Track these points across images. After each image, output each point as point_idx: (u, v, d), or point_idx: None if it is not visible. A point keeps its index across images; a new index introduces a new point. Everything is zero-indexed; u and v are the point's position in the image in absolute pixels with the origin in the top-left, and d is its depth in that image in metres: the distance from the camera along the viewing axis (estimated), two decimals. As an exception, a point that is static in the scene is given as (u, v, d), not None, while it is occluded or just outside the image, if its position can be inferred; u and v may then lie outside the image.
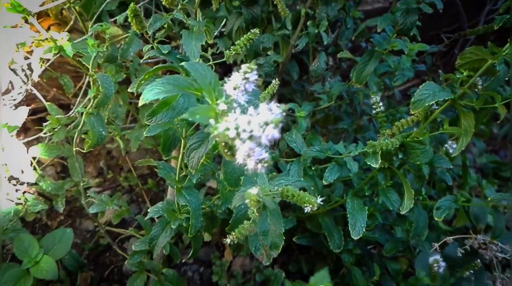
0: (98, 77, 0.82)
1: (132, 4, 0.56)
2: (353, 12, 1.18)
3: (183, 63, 0.50)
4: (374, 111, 1.01)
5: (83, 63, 0.93)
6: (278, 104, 0.45)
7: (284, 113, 0.44)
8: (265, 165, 0.46)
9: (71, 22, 1.19)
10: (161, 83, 0.53)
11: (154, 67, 0.62)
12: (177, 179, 0.77)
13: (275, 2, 0.88)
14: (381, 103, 1.00)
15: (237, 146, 0.43)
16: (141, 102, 0.50)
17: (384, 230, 1.26)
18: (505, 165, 1.97)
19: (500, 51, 0.85)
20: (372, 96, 1.00)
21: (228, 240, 0.69)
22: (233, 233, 0.69)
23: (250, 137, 0.41)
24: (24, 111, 0.97)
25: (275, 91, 0.77)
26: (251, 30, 0.64)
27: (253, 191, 0.60)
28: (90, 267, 1.32)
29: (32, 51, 1.04)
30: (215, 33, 1.20)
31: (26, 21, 0.92)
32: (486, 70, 0.85)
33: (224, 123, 0.42)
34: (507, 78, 0.85)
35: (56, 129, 1.09)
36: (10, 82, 1.06)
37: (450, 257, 1.20)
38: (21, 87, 1.12)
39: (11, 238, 0.94)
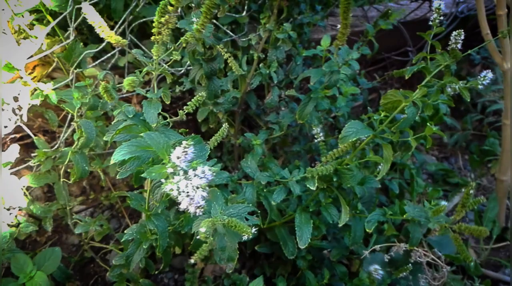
0: (81, 123, 0.99)
1: (103, 83, 0.73)
2: (301, 51, 1.37)
3: (142, 134, 0.68)
4: (316, 140, 1.20)
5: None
6: (210, 168, 0.63)
7: (214, 174, 0.63)
8: (202, 209, 0.64)
9: (54, 64, 1.35)
10: (127, 146, 0.71)
11: (122, 126, 0.79)
12: (146, 208, 0.94)
13: (230, 64, 1.06)
14: (321, 134, 1.19)
15: (180, 199, 0.61)
16: (112, 162, 0.68)
17: (334, 238, 1.46)
18: (452, 171, 2.19)
19: (410, 95, 1.04)
20: (314, 128, 1.19)
21: (192, 261, 0.88)
22: (195, 255, 0.87)
23: (187, 196, 0.59)
24: (15, 148, 1.13)
25: (224, 135, 0.95)
26: (199, 94, 0.82)
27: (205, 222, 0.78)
28: (76, 278, 1.48)
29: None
30: (182, 71, 1.38)
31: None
32: (400, 110, 1.05)
33: (169, 185, 0.60)
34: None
35: (43, 161, 1.25)
36: None
37: (393, 259, 1.41)
38: (9, 119, 1.27)
39: (8, 258, 1.09)
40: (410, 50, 2.06)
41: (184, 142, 0.62)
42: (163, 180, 0.64)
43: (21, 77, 1.15)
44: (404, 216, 1.10)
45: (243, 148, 1.49)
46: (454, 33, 0.99)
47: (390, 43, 2.20)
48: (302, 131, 1.38)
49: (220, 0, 1.03)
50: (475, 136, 2.44)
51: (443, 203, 1.08)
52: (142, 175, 0.69)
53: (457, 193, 2.09)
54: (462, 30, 1.04)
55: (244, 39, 1.28)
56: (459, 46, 1.00)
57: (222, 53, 1.03)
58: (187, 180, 0.62)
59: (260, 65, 1.25)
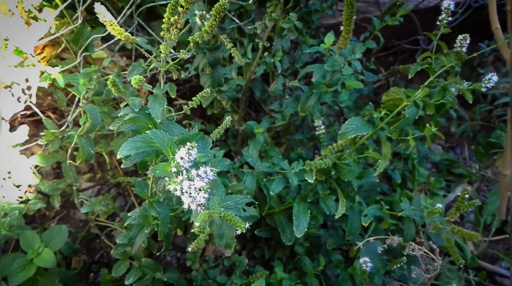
0: (87, 109, 1.01)
1: (111, 78, 0.74)
2: (307, 39, 1.36)
3: (148, 132, 0.71)
4: (317, 133, 1.22)
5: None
6: (212, 168, 0.66)
7: (216, 175, 0.66)
8: (203, 207, 0.68)
9: (63, 45, 1.36)
10: (133, 141, 0.74)
11: (126, 119, 0.82)
12: (149, 195, 0.98)
13: (233, 55, 1.06)
14: (322, 126, 1.21)
15: (182, 199, 0.64)
16: (118, 156, 0.71)
17: (332, 226, 1.50)
18: (457, 162, 2.19)
19: (412, 95, 1.04)
20: (316, 120, 1.20)
21: (189, 249, 0.92)
22: (193, 244, 0.91)
23: (190, 196, 0.63)
24: (25, 129, 1.17)
25: (227, 126, 0.97)
26: (204, 90, 0.83)
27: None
28: (82, 252, 1.55)
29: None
30: (188, 56, 1.39)
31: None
32: (402, 109, 1.05)
33: (172, 185, 0.63)
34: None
35: (51, 140, 1.29)
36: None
37: (391, 249, 1.44)
38: (19, 100, 1.30)
39: (17, 234, 1.15)
40: (421, 38, 2.03)
41: (188, 143, 0.64)
42: (167, 178, 0.67)
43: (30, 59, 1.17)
44: (400, 213, 1.13)
45: (247, 134, 1.51)
46: (460, 37, 0.99)
47: (401, 29, 2.16)
48: (305, 121, 1.39)
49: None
50: (483, 127, 2.42)
51: (439, 201, 1.10)
52: (147, 172, 0.71)
53: (460, 184, 2.10)
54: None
55: (250, 27, 1.28)
56: (464, 49, 1.00)
57: (226, 44, 1.03)
58: (190, 180, 0.65)
59: (265, 53, 1.25)
